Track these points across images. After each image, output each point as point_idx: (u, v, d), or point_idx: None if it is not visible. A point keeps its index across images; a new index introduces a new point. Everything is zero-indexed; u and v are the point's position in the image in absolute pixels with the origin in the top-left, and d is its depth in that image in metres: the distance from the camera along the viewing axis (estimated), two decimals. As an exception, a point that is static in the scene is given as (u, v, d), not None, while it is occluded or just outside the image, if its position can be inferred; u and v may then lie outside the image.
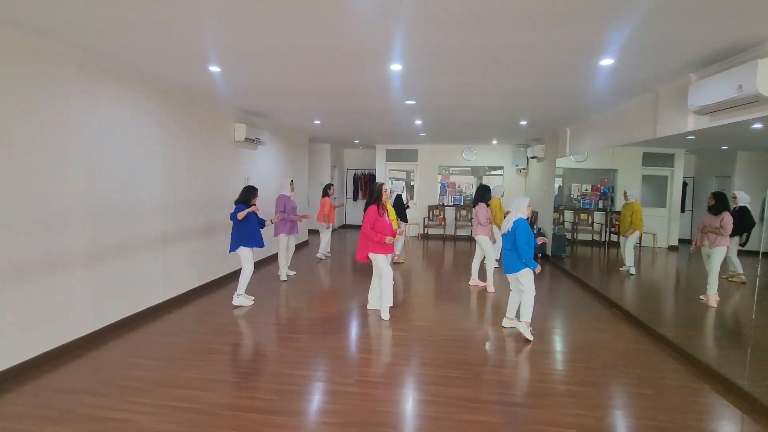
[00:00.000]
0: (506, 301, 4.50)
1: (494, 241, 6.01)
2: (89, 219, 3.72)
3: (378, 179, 11.49)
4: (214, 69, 4.00)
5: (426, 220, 11.09)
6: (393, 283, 4.71)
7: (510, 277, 4.23)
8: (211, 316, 4.64)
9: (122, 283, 4.16)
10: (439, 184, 11.36)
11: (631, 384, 3.25)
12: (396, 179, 11.63)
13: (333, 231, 10.15)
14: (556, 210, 8.20)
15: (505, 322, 4.40)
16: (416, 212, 11.22)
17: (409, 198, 10.59)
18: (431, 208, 11.18)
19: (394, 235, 4.64)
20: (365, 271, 6.75)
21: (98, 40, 3.22)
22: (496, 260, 5.96)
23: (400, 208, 7.24)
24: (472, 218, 9.59)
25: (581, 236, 7.67)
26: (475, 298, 5.61)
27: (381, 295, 4.64)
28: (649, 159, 5.62)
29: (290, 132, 8.70)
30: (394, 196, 7.09)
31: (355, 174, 13.09)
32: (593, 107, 5.59)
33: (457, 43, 3.17)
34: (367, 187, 12.67)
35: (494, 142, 10.28)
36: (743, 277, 4.16)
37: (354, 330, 4.33)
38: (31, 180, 3.17)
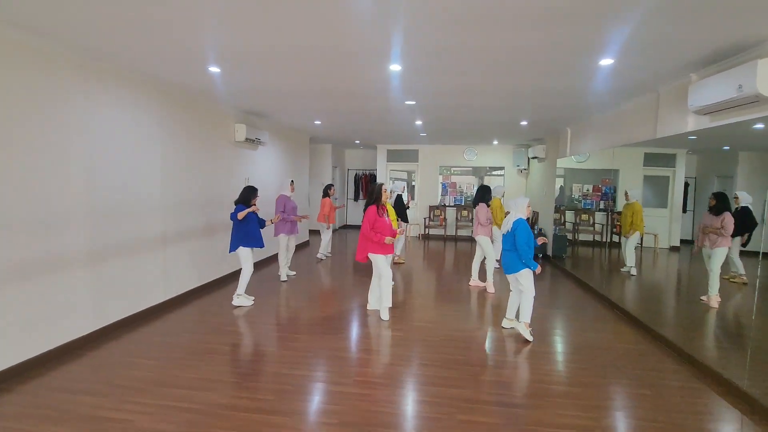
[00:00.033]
0: (506, 302, 4.50)
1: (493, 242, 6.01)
2: (89, 219, 3.73)
3: (379, 179, 11.48)
4: (214, 69, 4.01)
5: (427, 220, 11.09)
6: (393, 283, 4.70)
7: (510, 277, 4.23)
8: (210, 316, 4.65)
9: (122, 283, 4.16)
10: (440, 185, 11.36)
11: (631, 385, 3.24)
12: (397, 179, 11.64)
13: (333, 231, 10.15)
14: (557, 210, 8.19)
15: (505, 323, 4.39)
16: (417, 212, 11.22)
17: (409, 198, 10.60)
18: (432, 208, 11.18)
19: (393, 236, 4.63)
20: (365, 271, 6.75)
21: (98, 40, 3.23)
22: (497, 260, 5.95)
23: (401, 208, 7.24)
24: (472, 218, 9.57)
25: (582, 237, 7.65)
26: (475, 298, 5.60)
27: (380, 295, 4.65)
28: (650, 159, 5.61)
29: (291, 132, 8.70)
30: (394, 196, 7.09)
31: (356, 174, 13.09)
32: (594, 107, 5.58)
33: (457, 43, 3.16)
34: (368, 187, 12.67)
35: (495, 142, 10.28)
36: (745, 278, 4.15)
37: (354, 330, 4.33)
38: (31, 180, 3.17)
